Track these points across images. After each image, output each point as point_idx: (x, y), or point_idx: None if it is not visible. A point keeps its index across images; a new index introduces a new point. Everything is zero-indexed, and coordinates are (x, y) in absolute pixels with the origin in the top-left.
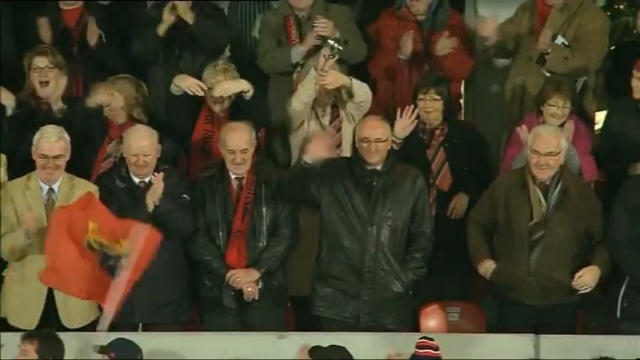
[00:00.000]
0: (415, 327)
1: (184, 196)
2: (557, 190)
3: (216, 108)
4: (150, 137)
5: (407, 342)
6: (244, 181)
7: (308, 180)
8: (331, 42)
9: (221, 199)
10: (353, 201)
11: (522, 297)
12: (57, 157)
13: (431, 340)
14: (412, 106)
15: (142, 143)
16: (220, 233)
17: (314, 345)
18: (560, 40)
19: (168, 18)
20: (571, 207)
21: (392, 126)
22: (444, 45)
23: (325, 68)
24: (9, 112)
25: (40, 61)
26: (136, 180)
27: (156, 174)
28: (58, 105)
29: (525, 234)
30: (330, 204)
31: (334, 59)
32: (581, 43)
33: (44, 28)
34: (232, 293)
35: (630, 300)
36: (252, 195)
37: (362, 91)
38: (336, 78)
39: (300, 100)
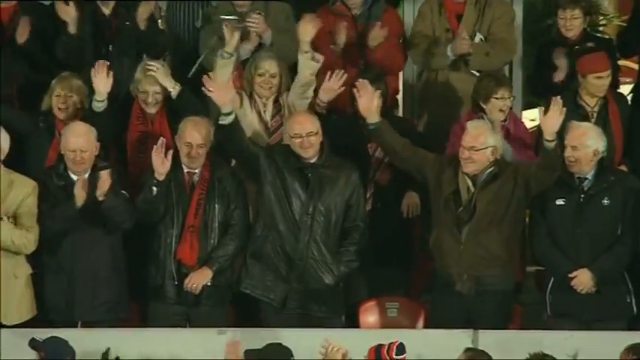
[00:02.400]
0: (354, 322)
1: (123, 192)
2: (485, 177)
3: (150, 110)
4: (87, 133)
5: (346, 338)
6: (197, 177)
7: (235, 134)
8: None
9: (176, 191)
10: (291, 189)
11: (456, 269)
12: None
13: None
14: (342, 71)
15: (79, 139)
16: (175, 222)
17: (248, 348)
18: (478, 37)
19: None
20: (498, 188)
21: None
22: (376, 35)
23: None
24: None
25: None
26: (74, 177)
27: (102, 172)
28: None
29: (454, 220)
30: (273, 186)
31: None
32: (497, 35)
33: None
34: (176, 283)
35: (555, 296)
36: (205, 191)
37: (313, 64)
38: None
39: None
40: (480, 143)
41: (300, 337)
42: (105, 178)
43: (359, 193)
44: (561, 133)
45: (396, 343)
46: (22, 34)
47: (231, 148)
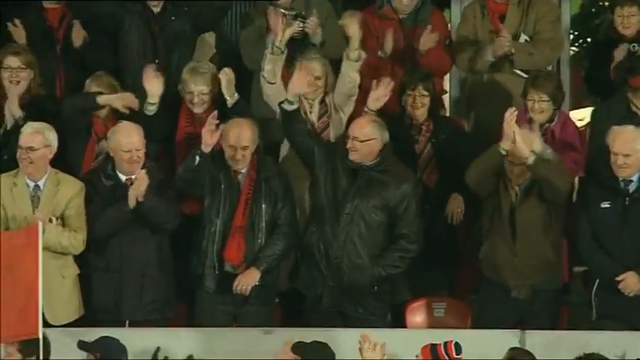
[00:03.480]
0: (400, 322)
1: (169, 191)
2: (527, 183)
3: (197, 110)
4: (138, 133)
5: (391, 337)
6: (245, 177)
7: (294, 123)
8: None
9: (226, 189)
10: (339, 187)
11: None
12: (30, 148)
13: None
14: (388, 79)
15: (133, 139)
16: (219, 220)
17: (297, 341)
18: (523, 37)
19: None
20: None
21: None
22: (427, 39)
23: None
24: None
25: (12, 61)
26: (123, 178)
27: (139, 170)
28: (17, 113)
29: (508, 230)
30: (325, 180)
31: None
32: (542, 35)
33: (16, 30)
34: (216, 272)
35: (600, 298)
36: (252, 191)
37: (357, 65)
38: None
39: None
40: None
41: (346, 336)
42: (142, 177)
43: (410, 203)
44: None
45: (453, 342)
46: (78, 38)
47: (288, 135)
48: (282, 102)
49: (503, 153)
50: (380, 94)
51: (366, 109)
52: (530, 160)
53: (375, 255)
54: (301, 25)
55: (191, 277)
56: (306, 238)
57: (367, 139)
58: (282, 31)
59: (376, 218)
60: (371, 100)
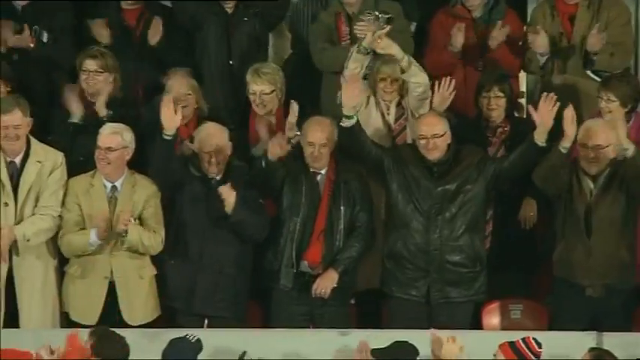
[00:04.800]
0: (477, 324)
1: (260, 200)
2: (604, 179)
3: (261, 111)
4: (223, 133)
5: (467, 339)
6: (324, 179)
7: (357, 137)
8: (376, 13)
9: (307, 190)
10: (418, 184)
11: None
12: (108, 149)
13: (538, 345)
14: (449, 77)
15: (216, 140)
16: (299, 221)
17: (374, 348)
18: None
19: None
20: (616, 188)
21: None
22: (497, 35)
23: (376, 36)
24: (74, 120)
25: (90, 64)
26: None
27: (222, 188)
28: (103, 112)
29: (583, 228)
30: (399, 184)
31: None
32: (614, 39)
33: (99, 29)
34: (294, 271)
35: None
36: (331, 193)
37: (415, 71)
38: (388, 43)
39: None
40: (604, 140)
41: (422, 337)
42: (226, 192)
43: (489, 163)
44: None
45: (531, 337)
46: (155, 36)
47: (352, 150)
48: (339, 120)
49: (564, 152)
50: (443, 94)
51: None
52: (631, 151)
53: (476, 229)
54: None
55: (266, 274)
56: (389, 243)
57: (443, 134)
58: (372, 32)
59: (464, 196)
60: (436, 102)
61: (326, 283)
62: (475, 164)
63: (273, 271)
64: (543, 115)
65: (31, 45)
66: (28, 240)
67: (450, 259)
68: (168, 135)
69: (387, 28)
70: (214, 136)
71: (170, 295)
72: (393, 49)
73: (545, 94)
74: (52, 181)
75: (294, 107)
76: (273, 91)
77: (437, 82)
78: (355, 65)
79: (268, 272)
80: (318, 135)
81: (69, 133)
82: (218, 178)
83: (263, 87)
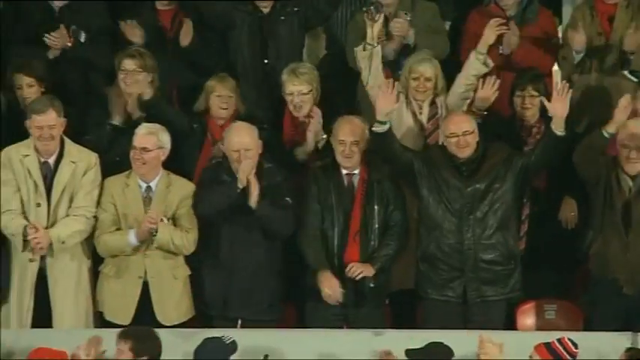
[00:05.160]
0: (511, 325)
1: (287, 199)
2: None
3: (298, 112)
4: (251, 133)
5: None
6: (357, 179)
7: (389, 143)
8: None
9: (336, 192)
10: (448, 185)
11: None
12: (143, 149)
13: (574, 346)
14: (494, 77)
15: (243, 139)
16: (335, 223)
17: (409, 348)
18: None
19: None
20: None
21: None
22: (511, 37)
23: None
24: (114, 121)
25: (128, 64)
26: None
27: (250, 177)
28: (136, 114)
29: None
30: (429, 187)
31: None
32: None
33: (131, 29)
34: (342, 291)
35: None
36: (365, 193)
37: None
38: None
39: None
40: None
41: (457, 337)
42: (253, 183)
43: (517, 159)
44: None
45: (566, 337)
46: (186, 37)
47: (384, 155)
48: (372, 125)
49: (606, 136)
50: (487, 93)
51: (473, 110)
52: None
53: (508, 226)
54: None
55: (310, 289)
56: (422, 246)
57: (473, 131)
58: (369, 27)
59: (494, 194)
60: (478, 100)
61: (361, 267)
62: (502, 161)
63: (308, 272)
64: (557, 104)
65: (69, 44)
66: (63, 242)
67: (484, 257)
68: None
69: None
70: (242, 134)
71: (205, 302)
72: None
73: (556, 82)
74: (86, 182)
75: (317, 112)
76: (310, 91)
77: (481, 81)
78: (365, 64)
79: (314, 289)
80: (349, 133)
81: (105, 134)
82: (250, 177)
83: (300, 87)
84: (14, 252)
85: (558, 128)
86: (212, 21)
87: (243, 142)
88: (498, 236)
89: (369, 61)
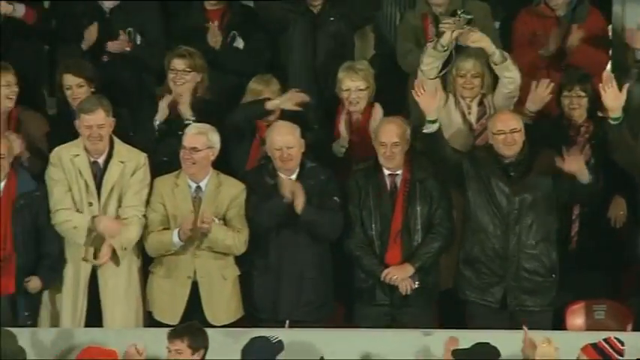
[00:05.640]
0: (560, 324)
1: (335, 198)
2: None
3: (354, 108)
4: (292, 132)
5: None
6: (400, 179)
7: (439, 142)
8: (459, 12)
9: (375, 194)
10: (495, 188)
11: None
12: (193, 149)
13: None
14: (548, 80)
15: (285, 137)
16: (374, 225)
17: (455, 348)
18: None
19: None
20: None
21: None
22: (574, 37)
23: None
24: (157, 122)
25: (178, 64)
26: (284, 177)
27: (294, 189)
28: (187, 113)
29: None
30: (477, 189)
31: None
32: None
33: (211, 32)
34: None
35: None
36: (407, 193)
37: (509, 65)
38: (479, 37)
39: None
40: None
41: (506, 338)
42: (297, 189)
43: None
44: None
45: (613, 337)
46: (214, 40)
47: (432, 156)
48: (422, 127)
49: None
50: (539, 95)
51: (525, 111)
52: None
53: (551, 239)
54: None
55: (359, 291)
56: (465, 247)
57: (520, 129)
58: (450, 31)
59: (541, 205)
60: (530, 102)
61: (397, 272)
62: (552, 174)
63: (368, 288)
64: (610, 94)
65: (128, 49)
66: (125, 249)
67: (527, 266)
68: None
69: (466, 28)
70: (284, 133)
71: (254, 305)
72: (484, 42)
73: (605, 73)
74: (135, 181)
75: (379, 110)
76: (367, 88)
77: (534, 83)
78: (429, 61)
79: (362, 291)
80: (390, 135)
81: (153, 134)
82: (294, 176)
83: (358, 83)
84: (67, 251)
85: (615, 113)
86: (267, 22)
87: (285, 141)
88: (542, 247)
89: (433, 60)
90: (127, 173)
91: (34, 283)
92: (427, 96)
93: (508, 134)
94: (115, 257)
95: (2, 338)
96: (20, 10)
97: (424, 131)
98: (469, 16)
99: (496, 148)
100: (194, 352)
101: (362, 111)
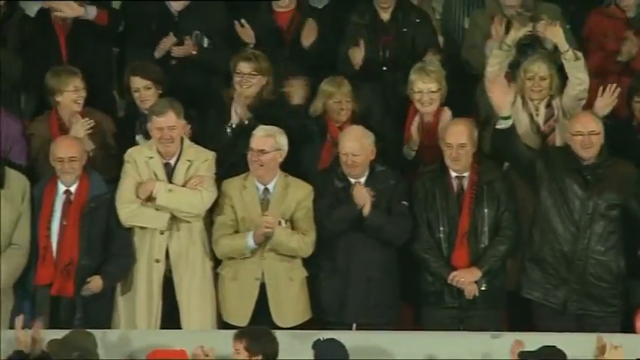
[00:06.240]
0: (629, 328)
1: (403, 202)
2: None
3: (426, 109)
4: (361, 138)
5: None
6: (467, 181)
7: (511, 139)
8: (519, 11)
9: (442, 196)
10: (569, 190)
11: None
12: (261, 151)
13: None
14: (614, 85)
15: (352, 143)
16: (441, 228)
17: (522, 350)
18: None
19: None
20: None
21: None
22: (631, 45)
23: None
24: (232, 125)
25: (244, 67)
26: (352, 180)
27: (359, 182)
28: (246, 115)
29: None
30: (550, 190)
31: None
32: None
33: (244, 30)
34: (455, 289)
35: None
36: (474, 195)
37: (580, 66)
38: (556, 31)
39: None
40: None
41: (574, 341)
42: (362, 194)
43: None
44: None
45: None
46: (308, 37)
47: (505, 153)
48: (495, 122)
49: None
50: (606, 101)
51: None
52: None
53: (621, 247)
54: (533, 28)
55: (426, 294)
56: (533, 247)
57: (599, 132)
58: (515, 30)
59: (615, 212)
60: (598, 107)
61: (464, 275)
62: (627, 184)
63: (436, 292)
64: None
65: (194, 52)
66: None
67: (593, 271)
68: None
69: (530, 25)
70: (351, 139)
71: (322, 308)
72: (559, 37)
73: None
74: (203, 169)
75: (447, 113)
76: (438, 90)
77: (601, 88)
78: (495, 61)
79: (430, 294)
80: (456, 136)
81: (225, 137)
82: (362, 180)
83: (430, 85)
84: (140, 253)
85: None
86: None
87: (351, 147)
88: (611, 255)
89: (499, 60)
90: (194, 167)
91: (95, 284)
92: (500, 92)
93: (586, 136)
94: (177, 222)
95: (80, 339)
96: (92, 12)
97: (496, 127)
98: (529, 14)
99: (573, 150)
100: (251, 355)
101: (433, 113)
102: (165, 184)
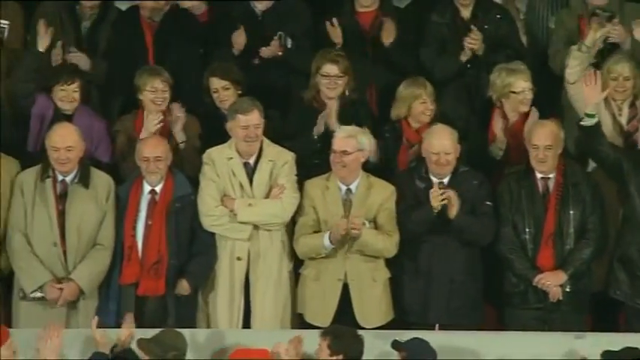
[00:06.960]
0: None
1: (487, 203)
2: None
3: (523, 108)
4: (451, 136)
5: None
6: (552, 183)
7: (595, 138)
8: (598, 11)
9: (528, 197)
10: None
11: None
12: (343, 152)
13: None
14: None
15: (444, 142)
16: (527, 229)
17: (605, 350)
18: None
19: None
20: None
21: None
22: None
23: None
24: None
25: (331, 69)
26: (435, 180)
27: (442, 182)
28: (336, 126)
29: None
30: (638, 188)
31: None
32: None
33: (333, 29)
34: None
35: None
36: (560, 197)
37: None
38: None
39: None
40: None
41: None
42: (453, 199)
43: None
44: None
45: None
46: (389, 35)
47: (590, 152)
48: (580, 119)
49: None
50: (592, 91)
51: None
52: None
53: None
54: (614, 29)
55: (509, 295)
56: (622, 246)
57: None
58: (593, 31)
59: None
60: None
61: (551, 278)
62: None
63: (520, 292)
64: None
65: (280, 53)
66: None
67: None
68: None
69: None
70: (443, 137)
71: (404, 309)
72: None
73: None
74: (284, 173)
75: (534, 113)
76: (531, 89)
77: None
78: (575, 63)
79: (513, 294)
80: (542, 137)
81: (310, 144)
82: (445, 180)
83: (530, 83)
84: (221, 252)
85: None
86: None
87: (443, 145)
88: None
89: (579, 61)
90: (276, 171)
91: (182, 287)
92: (594, 89)
93: None
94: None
95: (173, 339)
96: (200, 8)
97: (581, 123)
98: (607, 14)
99: None
100: (332, 353)
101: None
102: (244, 199)
